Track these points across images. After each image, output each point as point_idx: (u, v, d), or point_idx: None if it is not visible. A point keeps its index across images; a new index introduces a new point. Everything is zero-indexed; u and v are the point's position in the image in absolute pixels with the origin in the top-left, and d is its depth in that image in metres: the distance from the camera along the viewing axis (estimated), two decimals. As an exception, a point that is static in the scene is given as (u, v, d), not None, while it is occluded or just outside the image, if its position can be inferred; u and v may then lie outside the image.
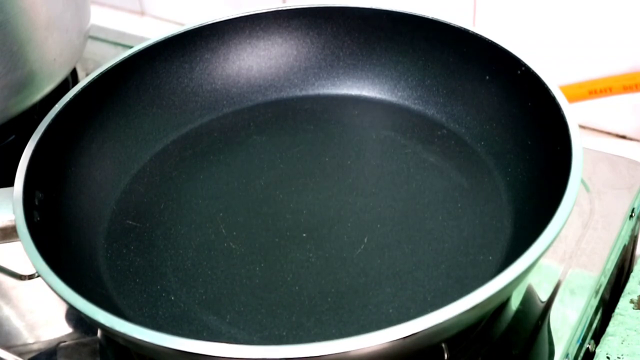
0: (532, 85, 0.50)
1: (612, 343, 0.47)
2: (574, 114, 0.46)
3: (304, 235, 0.49)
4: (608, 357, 0.46)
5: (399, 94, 0.59)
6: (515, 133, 0.52)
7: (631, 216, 0.53)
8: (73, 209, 0.50)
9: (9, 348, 0.48)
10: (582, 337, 0.47)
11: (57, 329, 0.49)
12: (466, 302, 0.36)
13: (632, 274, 0.51)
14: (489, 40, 0.54)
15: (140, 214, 0.52)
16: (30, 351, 0.48)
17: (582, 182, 0.55)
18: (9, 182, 0.46)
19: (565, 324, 0.47)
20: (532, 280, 0.49)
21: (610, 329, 0.48)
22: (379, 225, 0.50)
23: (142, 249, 0.50)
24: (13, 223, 0.43)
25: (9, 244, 0.45)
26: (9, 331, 0.50)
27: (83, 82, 0.54)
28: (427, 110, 0.58)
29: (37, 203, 0.46)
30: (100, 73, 0.54)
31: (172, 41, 0.58)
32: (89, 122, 0.54)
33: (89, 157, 0.53)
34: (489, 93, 0.55)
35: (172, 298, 0.46)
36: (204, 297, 0.46)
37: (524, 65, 0.51)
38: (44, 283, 0.40)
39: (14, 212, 0.44)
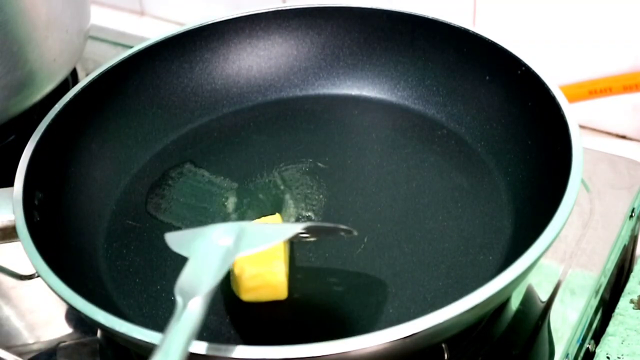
0: (532, 85, 0.50)
1: (612, 343, 0.47)
2: (574, 114, 0.46)
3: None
4: (608, 357, 0.46)
5: (399, 94, 0.59)
6: (515, 133, 0.52)
7: (631, 216, 0.53)
8: (73, 209, 0.50)
9: (9, 348, 0.48)
10: (582, 337, 0.47)
11: (57, 329, 0.49)
12: (466, 302, 0.36)
13: (632, 274, 0.51)
14: (489, 40, 0.54)
15: (140, 214, 0.52)
16: (30, 351, 0.48)
17: (582, 182, 0.54)
18: (9, 182, 0.45)
19: (565, 324, 0.47)
20: (532, 280, 0.49)
21: (610, 329, 0.48)
22: (379, 225, 0.50)
23: (142, 249, 0.50)
24: (13, 223, 0.43)
25: (9, 244, 0.45)
26: (9, 331, 0.50)
27: (83, 82, 0.54)
28: (427, 110, 0.58)
29: (37, 203, 0.46)
30: (100, 73, 0.54)
31: (172, 41, 0.58)
32: (89, 122, 0.54)
33: (89, 157, 0.53)
34: (489, 93, 0.55)
35: (172, 298, 0.46)
36: (204, 297, 0.46)
37: (524, 65, 0.51)
38: (44, 283, 0.40)
39: (14, 212, 0.44)
